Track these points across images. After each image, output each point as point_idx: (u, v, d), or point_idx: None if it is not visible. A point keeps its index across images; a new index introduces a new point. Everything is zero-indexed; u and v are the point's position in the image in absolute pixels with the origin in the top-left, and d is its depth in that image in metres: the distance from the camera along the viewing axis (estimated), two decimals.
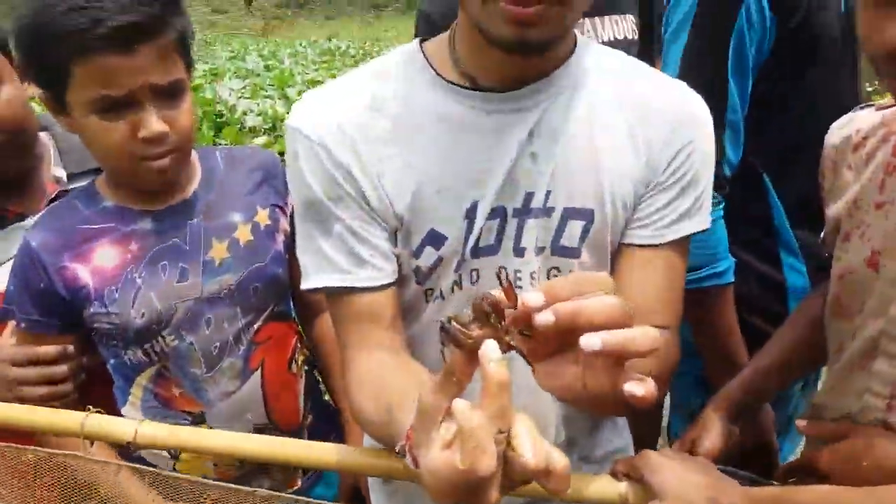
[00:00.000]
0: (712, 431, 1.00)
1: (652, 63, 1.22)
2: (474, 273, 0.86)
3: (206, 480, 0.90)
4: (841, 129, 0.94)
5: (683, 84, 0.89)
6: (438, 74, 0.83)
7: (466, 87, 0.82)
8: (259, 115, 6.51)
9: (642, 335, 0.50)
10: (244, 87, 8.01)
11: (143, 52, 0.94)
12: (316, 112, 0.84)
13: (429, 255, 0.85)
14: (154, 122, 0.96)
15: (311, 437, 1.25)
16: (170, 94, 0.99)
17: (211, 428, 1.13)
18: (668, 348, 0.84)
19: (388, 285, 0.85)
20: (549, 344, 0.54)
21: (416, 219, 0.84)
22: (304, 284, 0.87)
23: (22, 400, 1.04)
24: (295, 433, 1.21)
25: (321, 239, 0.85)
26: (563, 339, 0.52)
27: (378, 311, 0.85)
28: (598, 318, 0.50)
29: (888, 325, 0.81)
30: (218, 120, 6.33)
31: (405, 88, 0.84)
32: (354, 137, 0.82)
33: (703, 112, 0.87)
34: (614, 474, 0.80)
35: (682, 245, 0.88)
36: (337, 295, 0.86)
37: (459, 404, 0.49)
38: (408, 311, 0.90)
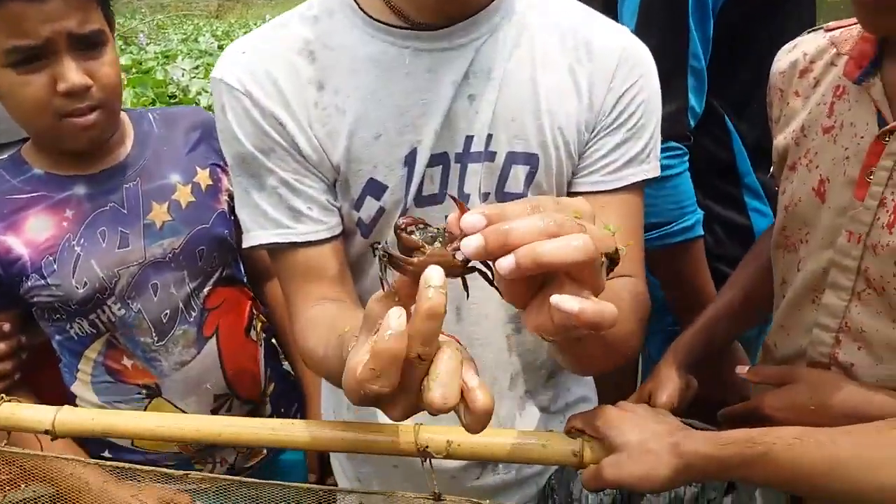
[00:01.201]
0: (668, 383, 0.99)
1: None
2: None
3: (136, 466, 0.85)
4: (787, 55, 0.92)
5: (625, 28, 0.87)
6: (367, 14, 0.80)
7: (396, 27, 0.79)
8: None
9: (563, 243, 0.45)
10: (197, 68, 7.80)
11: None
12: (240, 61, 0.80)
13: (370, 206, 0.82)
14: (73, 74, 0.91)
15: (274, 406, 1.24)
16: (89, 45, 0.94)
17: (168, 401, 1.10)
18: (637, 296, 0.82)
19: (330, 238, 0.83)
20: (532, 283, 0.50)
21: (353, 168, 0.81)
22: (245, 243, 0.85)
23: None
24: (257, 402, 1.19)
25: (255, 194, 0.82)
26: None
27: (322, 265, 0.82)
28: (530, 238, 0.46)
29: (836, 255, 0.81)
30: (171, 101, 6.15)
31: (333, 31, 0.81)
32: (282, 84, 0.79)
33: (646, 57, 0.85)
34: (569, 432, 0.79)
35: (637, 192, 0.86)
36: (278, 251, 0.83)
37: (389, 320, 0.47)
38: (355, 266, 0.87)
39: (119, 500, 0.97)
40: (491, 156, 0.82)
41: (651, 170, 0.86)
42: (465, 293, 0.57)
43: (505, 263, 0.45)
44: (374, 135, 0.80)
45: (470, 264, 0.49)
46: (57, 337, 1.07)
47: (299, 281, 0.83)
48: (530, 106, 0.81)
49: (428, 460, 0.74)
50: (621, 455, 0.74)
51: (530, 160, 0.82)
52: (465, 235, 0.47)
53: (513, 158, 0.82)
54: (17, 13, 0.87)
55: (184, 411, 1.10)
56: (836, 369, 0.82)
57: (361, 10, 0.80)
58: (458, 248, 0.48)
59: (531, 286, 0.50)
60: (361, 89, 0.79)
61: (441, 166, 0.82)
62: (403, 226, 0.51)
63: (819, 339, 0.84)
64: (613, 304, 0.48)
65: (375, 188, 0.81)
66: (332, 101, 0.79)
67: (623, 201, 0.84)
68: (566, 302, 0.46)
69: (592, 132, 0.84)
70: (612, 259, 0.50)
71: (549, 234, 0.46)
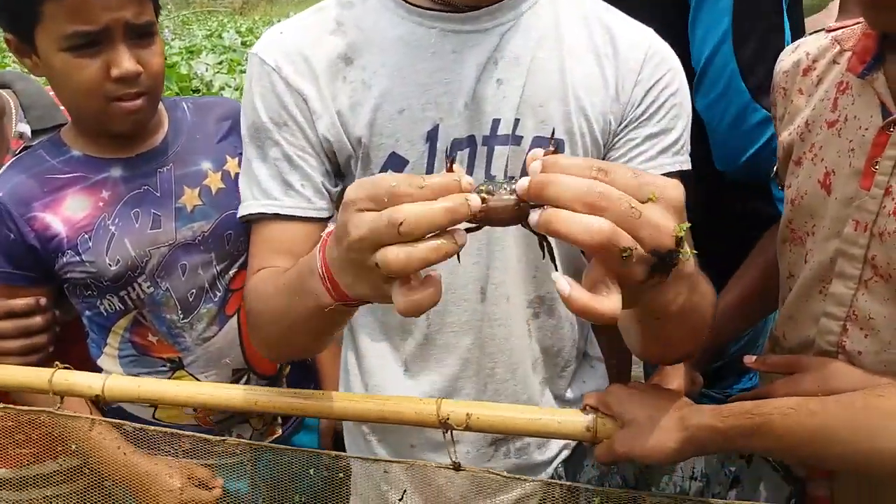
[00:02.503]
0: (674, 378, 1.01)
1: None
2: None
3: (179, 431, 0.92)
4: (790, 55, 0.95)
5: (650, 29, 0.89)
6: None
7: (425, 8, 0.83)
8: (237, 89, 6.44)
9: (577, 221, 0.48)
10: (220, 63, 7.91)
11: None
12: (277, 40, 0.85)
13: None
14: (126, 61, 0.97)
15: (289, 387, 1.27)
16: (142, 35, 1.00)
17: (189, 374, 1.15)
18: None
19: (312, 219, 0.85)
20: None
21: (375, 141, 0.84)
22: (239, 212, 0.88)
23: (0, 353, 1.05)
24: (272, 380, 1.24)
25: (256, 164, 0.86)
26: None
27: (294, 242, 0.85)
28: (565, 198, 0.49)
29: (843, 244, 0.83)
30: (195, 95, 6.25)
31: (366, 14, 0.85)
32: (313, 62, 0.83)
33: (672, 56, 0.87)
34: (583, 409, 0.82)
35: None
36: (261, 222, 0.87)
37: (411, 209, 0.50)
38: None
39: (150, 474, 1.03)
40: (517, 140, 0.84)
41: (684, 162, 0.88)
42: (542, 249, 0.59)
43: (531, 218, 0.50)
44: (398, 109, 0.83)
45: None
46: (87, 312, 1.12)
47: (267, 252, 0.86)
48: (558, 93, 0.84)
49: (449, 432, 0.78)
50: (631, 429, 0.77)
51: (556, 146, 0.84)
52: None
53: (539, 143, 0.84)
54: (81, 1, 0.93)
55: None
56: (843, 357, 0.84)
57: None
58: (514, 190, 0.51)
59: None
60: (389, 66, 0.83)
61: (469, 149, 0.85)
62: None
63: (827, 328, 0.86)
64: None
65: (397, 162, 0.85)
66: (360, 77, 0.83)
67: None
68: (559, 280, 0.50)
69: (621, 124, 0.86)
70: (662, 258, 0.49)
71: (589, 203, 0.48)
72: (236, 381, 1.18)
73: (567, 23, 0.86)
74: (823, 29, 0.93)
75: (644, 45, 0.85)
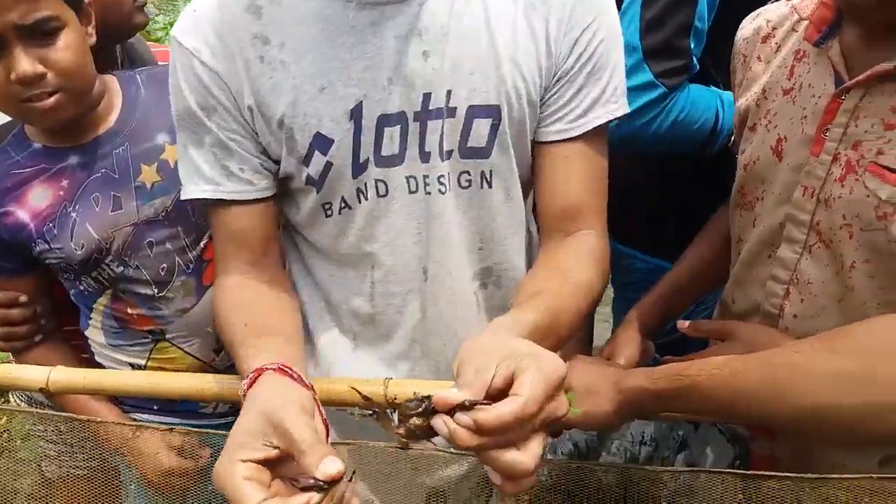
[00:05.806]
0: (626, 347, 0.96)
1: None
2: (381, 185, 0.81)
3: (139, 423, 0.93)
4: (751, 23, 0.90)
5: None
6: None
7: None
8: None
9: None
10: None
11: None
12: (193, 19, 0.78)
13: (318, 161, 0.79)
14: (22, 63, 0.89)
15: None
16: (39, 34, 0.91)
17: (173, 344, 1.12)
18: (599, 250, 0.81)
19: (257, 200, 0.81)
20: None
21: (298, 122, 0.78)
22: (182, 195, 0.85)
23: None
24: None
25: (193, 149, 0.81)
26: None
27: (247, 227, 0.82)
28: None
29: (792, 209, 0.80)
30: None
31: None
32: (228, 41, 0.77)
33: None
34: None
35: (601, 135, 0.82)
36: (211, 208, 0.83)
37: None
38: (307, 221, 0.85)
39: (146, 450, 1.01)
40: (451, 112, 0.78)
41: (618, 108, 0.82)
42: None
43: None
44: (318, 88, 0.77)
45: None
46: (72, 291, 1.11)
47: (225, 242, 0.83)
48: (488, 57, 0.77)
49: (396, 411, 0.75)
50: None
51: (492, 112, 0.79)
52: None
53: (474, 112, 0.78)
54: None
55: (188, 352, 1.13)
56: (782, 322, 0.82)
57: None
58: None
59: None
60: (307, 43, 0.76)
61: (399, 126, 0.78)
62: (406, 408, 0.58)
63: (772, 291, 0.84)
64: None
65: (322, 142, 0.79)
66: (278, 56, 0.77)
67: (586, 148, 0.81)
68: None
69: (553, 78, 0.79)
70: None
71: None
72: (221, 349, 1.15)
73: None
74: None
75: None
